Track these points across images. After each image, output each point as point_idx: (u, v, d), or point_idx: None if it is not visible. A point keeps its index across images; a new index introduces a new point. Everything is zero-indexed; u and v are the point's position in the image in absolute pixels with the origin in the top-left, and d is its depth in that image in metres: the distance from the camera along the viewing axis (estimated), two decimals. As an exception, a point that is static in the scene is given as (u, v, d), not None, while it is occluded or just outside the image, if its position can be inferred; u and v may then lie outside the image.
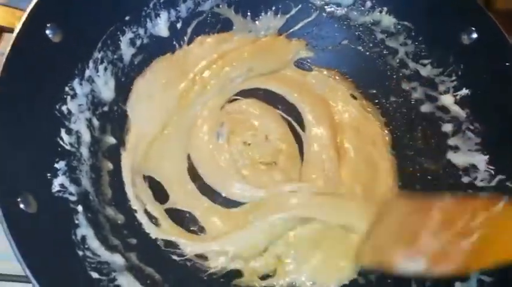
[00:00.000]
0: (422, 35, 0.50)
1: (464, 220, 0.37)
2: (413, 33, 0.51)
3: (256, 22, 0.54)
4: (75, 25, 0.42)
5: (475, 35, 0.46)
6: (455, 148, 0.48)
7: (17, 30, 0.37)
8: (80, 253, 0.37)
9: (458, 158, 0.47)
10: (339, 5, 0.53)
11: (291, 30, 0.54)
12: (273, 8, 0.54)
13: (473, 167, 0.45)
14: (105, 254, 0.39)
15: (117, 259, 0.39)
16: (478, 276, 0.39)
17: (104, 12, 0.45)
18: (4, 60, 0.36)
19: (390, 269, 0.39)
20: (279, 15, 0.54)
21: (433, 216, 0.39)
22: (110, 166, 0.45)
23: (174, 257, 0.44)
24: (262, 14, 0.54)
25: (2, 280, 0.40)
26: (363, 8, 0.52)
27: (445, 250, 0.37)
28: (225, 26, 0.54)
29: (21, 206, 0.34)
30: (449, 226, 0.38)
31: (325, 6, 0.54)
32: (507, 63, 0.44)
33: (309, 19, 0.55)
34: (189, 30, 0.52)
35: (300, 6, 0.54)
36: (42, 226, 0.35)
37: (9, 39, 0.38)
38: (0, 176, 0.34)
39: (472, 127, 0.47)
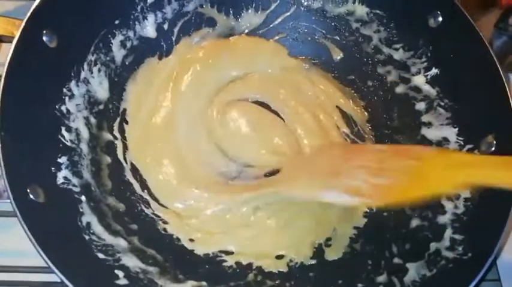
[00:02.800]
0: (393, 22, 0.54)
1: (379, 158, 0.41)
2: (385, 21, 0.54)
3: (239, 20, 0.58)
4: (69, 31, 0.45)
5: (440, 18, 0.50)
6: (429, 124, 0.51)
7: (16, 38, 0.41)
8: (86, 237, 0.40)
9: (432, 133, 0.50)
10: (315, -2, 0.57)
11: (271, 25, 0.58)
12: (254, 5, 0.57)
13: (445, 140, 0.49)
14: (109, 238, 0.42)
15: (121, 242, 0.43)
16: (450, 235, 0.43)
17: (95, 17, 0.48)
18: (6, 66, 0.40)
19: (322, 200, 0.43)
20: (259, 12, 0.57)
21: (363, 156, 0.43)
22: (108, 159, 0.48)
23: (173, 239, 0.47)
24: (244, 11, 0.57)
25: (25, 272, 0.43)
26: (337, 0, 0.56)
27: (364, 181, 0.40)
28: (209, 24, 0.57)
29: (31, 196, 0.37)
30: (366, 163, 0.42)
31: (302, 0, 0.57)
32: (469, 42, 0.48)
33: (288, 13, 0.58)
34: (176, 30, 0.55)
35: (278, 1, 0.57)
36: (51, 214, 0.39)
37: (6, 48, 0.41)
38: (10, 171, 0.37)
39: (442, 103, 0.50)
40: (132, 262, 0.42)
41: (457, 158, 0.40)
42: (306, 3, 0.57)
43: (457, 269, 0.39)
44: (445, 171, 0.38)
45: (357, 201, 0.41)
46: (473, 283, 0.36)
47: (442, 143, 0.49)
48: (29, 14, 0.42)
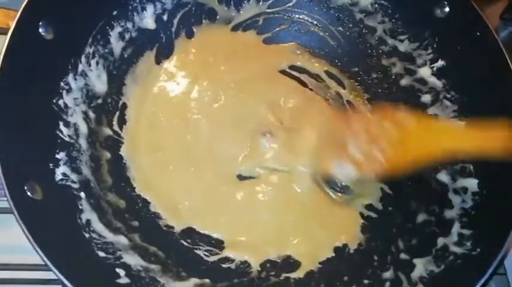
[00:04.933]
0: (398, 12, 0.53)
1: (378, 127, 0.44)
2: (389, 11, 0.53)
3: (240, 11, 0.57)
4: (66, 22, 0.44)
5: (447, 9, 0.49)
6: (435, 117, 0.50)
7: (11, 30, 0.39)
8: (87, 235, 0.39)
9: (438, 126, 0.50)
10: (318, -13, 0.56)
11: (272, 15, 0.57)
12: (255, -5, 0.56)
13: (452, 133, 0.48)
14: (109, 236, 0.41)
15: (122, 240, 0.42)
16: (458, 230, 0.42)
17: (92, 8, 0.47)
18: (1, 58, 0.38)
19: (327, 174, 0.47)
20: (260, 3, 0.56)
21: (354, 125, 0.46)
22: (108, 155, 0.47)
23: (175, 237, 0.46)
24: (245, 2, 0.56)
25: (23, 270, 0.42)
26: (341, -11, 0.55)
27: (367, 155, 0.44)
28: (209, 15, 0.56)
29: (28, 193, 0.36)
30: (367, 133, 0.44)
31: (305, -10, 0.56)
32: (478, 33, 0.47)
33: (290, 3, 0.57)
34: (175, 21, 0.54)
35: (281, -9, 0.56)
36: (49, 212, 0.37)
37: (1, 40, 0.39)
38: (7, 167, 0.36)
39: (448, 96, 0.49)
40: (133, 260, 0.41)
41: (441, 125, 0.45)
42: (308, -6, 0.56)
43: (466, 265, 0.39)
44: (430, 137, 0.42)
45: (363, 174, 0.44)
46: (483, 279, 0.35)
47: (449, 136, 0.48)
48: (24, 5, 0.40)
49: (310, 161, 0.49)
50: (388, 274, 0.42)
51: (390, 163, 0.43)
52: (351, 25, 0.56)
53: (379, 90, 0.55)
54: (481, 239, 0.40)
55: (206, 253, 0.45)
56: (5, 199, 0.35)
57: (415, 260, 0.42)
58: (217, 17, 0.56)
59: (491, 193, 0.42)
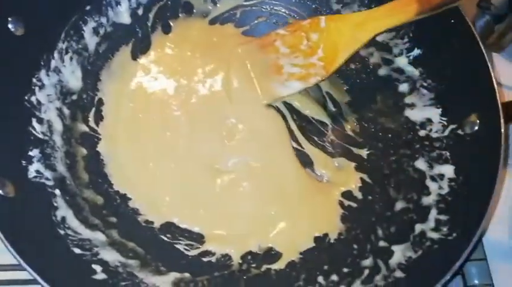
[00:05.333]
0: (374, 3, 0.53)
1: (303, 41, 0.49)
2: (366, 1, 0.53)
3: (217, 4, 0.56)
4: (36, 18, 0.43)
5: (422, -2, 0.49)
6: (412, 105, 0.50)
7: (-22, 26, 0.39)
8: (62, 231, 0.39)
9: (415, 114, 0.50)
10: (294, -20, 0.56)
11: (249, 8, 0.56)
12: (233, -12, 0.56)
13: (429, 121, 0.48)
14: (86, 232, 0.40)
15: (99, 236, 0.41)
16: (435, 216, 0.42)
17: (64, 3, 0.46)
18: (-32, 55, 0.38)
19: (274, 98, 0.51)
20: (237, -5, 0.56)
21: (278, 47, 0.50)
22: (84, 151, 0.46)
23: (154, 232, 0.45)
24: (222, -6, 0.56)
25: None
26: (317, -19, 0.55)
27: (304, 66, 0.49)
28: (186, 9, 0.55)
29: (0, 191, 0.36)
30: (295, 49, 0.49)
31: (281, -18, 0.56)
32: (452, 21, 0.47)
33: (267, -5, 0.57)
34: (151, 15, 0.54)
35: (257, -16, 0.56)
36: (22, 209, 0.37)
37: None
38: (-24, 164, 0.35)
39: (425, 84, 0.50)
40: (111, 256, 0.40)
41: (357, 18, 0.48)
42: (285, -15, 0.56)
43: (443, 249, 0.39)
44: (352, 32, 0.47)
45: (310, 83, 0.50)
46: (459, 263, 0.35)
47: (426, 124, 0.48)
48: (-9, 0, 0.40)
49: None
50: (367, 262, 0.43)
51: (328, 63, 0.48)
52: (328, 16, 0.56)
53: (358, 81, 0.55)
54: (457, 224, 0.40)
55: (186, 247, 0.45)
56: (-26, 196, 0.34)
57: (394, 247, 0.42)
58: (194, 10, 0.55)
59: (467, 179, 0.42)
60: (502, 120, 0.41)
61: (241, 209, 0.48)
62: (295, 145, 0.51)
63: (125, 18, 0.52)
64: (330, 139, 0.53)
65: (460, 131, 0.45)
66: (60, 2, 0.46)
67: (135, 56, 0.53)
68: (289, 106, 0.54)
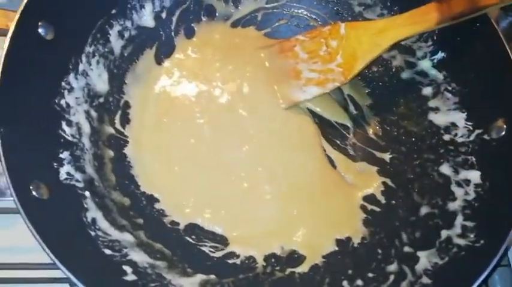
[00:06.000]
0: (397, 5, 0.53)
1: (322, 47, 0.50)
2: (388, 4, 0.53)
3: (239, 7, 0.57)
4: (65, 22, 0.44)
5: (447, 0, 0.49)
6: (436, 109, 0.50)
7: (11, 32, 0.39)
8: (92, 233, 0.40)
9: (439, 118, 0.50)
10: (316, -19, 0.56)
11: (270, 11, 0.57)
12: (254, -9, 0.56)
13: (453, 125, 0.48)
14: (115, 234, 0.41)
15: (127, 237, 0.42)
16: (462, 222, 0.42)
17: (91, 7, 0.47)
18: (2, 60, 0.38)
19: (292, 102, 0.52)
20: (258, -1, 0.56)
21: (298, 52, 0.51)
22: (111, 153, 0.47)
23: (179, 233, 0.46)
24: (243, -3, 0.56)
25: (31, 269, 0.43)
26: (339, -18, 0.55)
27: (322, 71, 0.50)
28: (208, 12, 0.56)
29: (34, 193, 0.37)
30: (314, 55, 0.50)
31: (302, -16, 0.56)
32: (477, 24, 0.47)
33: (288, -2, 0.57)
34: (174, 19, 0.54)
35: (278, -14, 0.56)
36: (55, 211, 0.38)
37: (1, 42, 0.39)
38: (11, 168, 0.36)
39: (450, 88, 0.49)
40: (139, 257, 0.41)
41: (376, 26, 0.48)
42: (306, -13, 0.56)
43: (470, 256, 0.39)
44: (371, 40, 0.47)
45: (328, 88, 0.51)
46: (487, 271, 0.35)
47: (451, 128, 0.48)
48: (23, 6, 0.40)
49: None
50: (392, 267, 0.43)
51: (346, 69, 0.49)
52: (350, 18, 0.56)
53: (380, 84, 0.55)
54: (484, 230, 0.40)
55: (211, 249, 0.46)
56: (11, 198, 0.35)
57: (419, 253, 0.42)
58: (216, 13, 0.56)
59: (494, 185, 0.42)
60: (530, 125, 0.41)
61: (263, 211, 0.48)
62: (318, 148, 0.52)
63: (149, 21, 0.53)
64: (352, 142, 0.53)
65: (486, 136, 0.45)
66: (88, 6, 0.47)
67: (158, 59, 0.53)
68: (310, 109, 0.54)
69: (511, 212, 0.37)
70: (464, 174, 0.45)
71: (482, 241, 0.39)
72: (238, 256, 0.46)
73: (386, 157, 0.51)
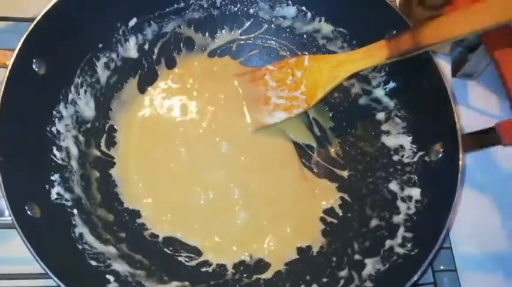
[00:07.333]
0: (355, 39, 0.58)
1: (289, 77, 0.56)
2: (348, 38, 0.59)
3: (215, 39, 0.62)
4: (56, 58, 0.49)
5: (396, 36, 0.55)
6: (387, 132, 0.56)
7: (8, 69, 0.44)
8: (80, 246, 0.45)
9: (390, 141, 0.55)
10: (284, 17, 0.61)
11: (244, 42, 0.63)
12: (228, 25, 0.61)
13: (401, 147, 0.54)
14: (100, 247, 0.46)
15: (111, 250, 0.47)
16: (403, 233, 0.48)
17: (80, 43, 0.52)
18: (1, 95, 0.44)
19: (262, 126, 0.57)
20: (233, 31, 0.62)
21: (267, 81, 0.57)
22: (97, 174, 0.52)
23: (158, 245, 0.51)
24: (219, 30, 0.62)
25: (27, 278, 0.47)
26: (305, 19, 0.60)
27: (289, 98, 0.56)
28: (187, 43, 0.61)
29: (28, 212, 0.42)
30: (282, 83, 0.56)
31: (273, 19, 0.61)
32: (422, 61, 0.53)
33: (260, 31, 0.63)
34: (156, 49, 0.59)
35: (252, 20, 0.61)
36: (47, 227, 0.43)
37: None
38: (9, 191, 0.41)
39: (399, 114, 0.55)
40: (121, 267, 0.46)
41: (335, 59, 0.53)
42: (276, 22, 0.62)
43: (405, 264, 0.45)
44: (331, 71, 0.53)
45: (293, 113, 0.56)
46: (416, 277, 0.41)
47: (399, 150, 0.54)
48: (19, 46, 0.45)
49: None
50: (343, 273, 0.48)
51: (309, 97, 0.54)
52: (315, 49, 0.61)
53: (341, 108, 0.61)
54: (419, 241, 0.46)
55: (186, 259, 0.51)
56: (8, 217, 0.40)
57: (366, 260, 0.48)
58: (195, 45, 0.61)
59: (430, 201, 0.48)
60: (460, 150, 0.47)
61: (235, 223, 0.54)
62: (283, 167, 0.57)
63: (133, 53, 0.58)
64: (316, 161, 0.59)
65: (427, 158, 0.50)
66: (77, 42, 0.52)
67: (142, 88, 0.59)
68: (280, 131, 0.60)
69: (439, 227, 0.43)
70: (408, 191, 0.51)
71: (416, 250, 0.45)
72: (210, 264, 0.51)
73: (345, 174, 0.57)
